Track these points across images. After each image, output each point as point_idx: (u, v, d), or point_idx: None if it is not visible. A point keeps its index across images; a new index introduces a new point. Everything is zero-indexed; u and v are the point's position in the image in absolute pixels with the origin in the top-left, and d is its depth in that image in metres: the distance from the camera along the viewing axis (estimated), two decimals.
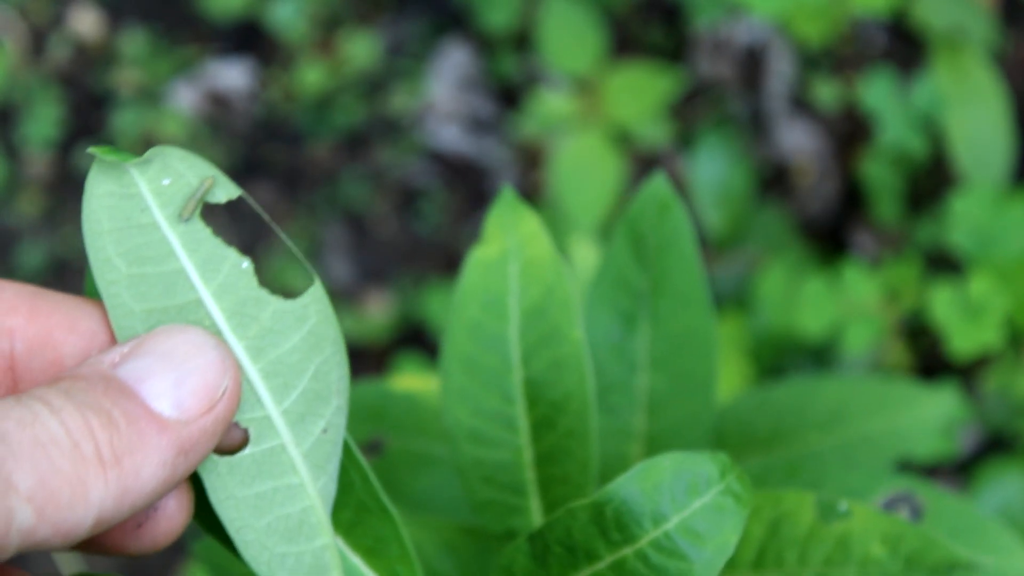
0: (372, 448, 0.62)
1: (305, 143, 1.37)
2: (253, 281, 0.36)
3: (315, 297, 0.37)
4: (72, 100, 1.40)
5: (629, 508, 0.39)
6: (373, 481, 0.40)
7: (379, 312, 1.31)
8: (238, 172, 1.35)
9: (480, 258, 0.50)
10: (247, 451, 0.36)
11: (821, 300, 1.01)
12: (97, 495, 0.32)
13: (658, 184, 0.57)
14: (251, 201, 0.37)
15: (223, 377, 0.34)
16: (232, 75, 1.39)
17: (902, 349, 1.08)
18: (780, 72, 1.27)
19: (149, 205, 0.35)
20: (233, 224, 1.31)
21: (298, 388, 0.37)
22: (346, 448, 0.39)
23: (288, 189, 1.36)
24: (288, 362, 0.37)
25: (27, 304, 0.36)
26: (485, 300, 0.50)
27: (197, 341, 0.34)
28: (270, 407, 0.36)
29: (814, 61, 1.26)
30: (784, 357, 1.12)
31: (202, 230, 0.36)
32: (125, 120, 1.38)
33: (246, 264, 0.36)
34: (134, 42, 1.40)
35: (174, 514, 0.36)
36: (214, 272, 0.36)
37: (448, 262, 1.32)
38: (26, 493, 0.31)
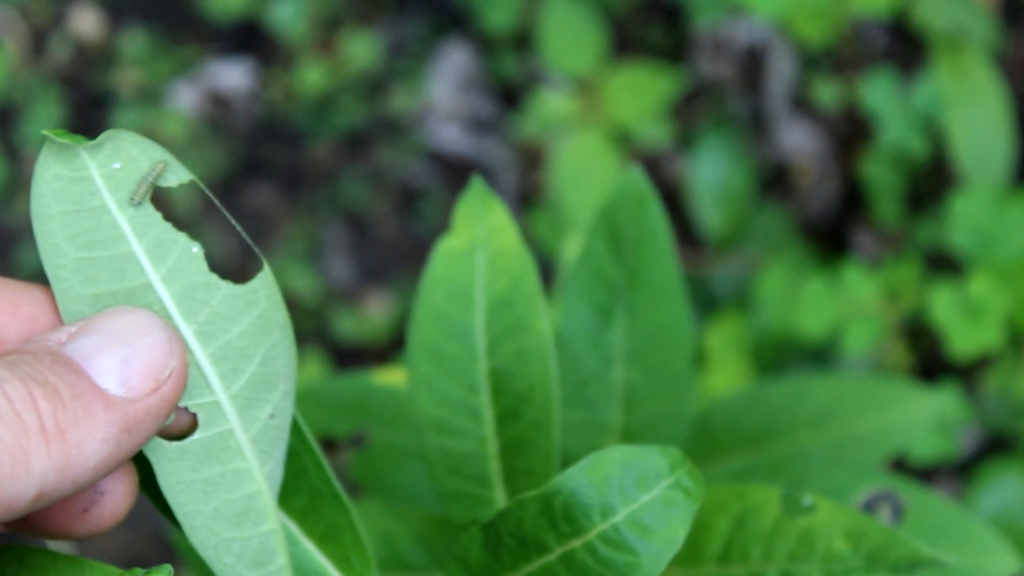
0: (355, 441, 0.63)
1: (305, 143, 1.37)
2: (204, 266, 0.36)
3: (264, 282, 0.37)
4: (72, 100, 1.40)
5: (578, 500, 0.39)
6: (326, 468, 0.40)
7: (379, 312, 1.31)
8: (238, 172, 1.35)
9: (448, 248, 0.50)
10: (196, 436, 0.36)
11: (821, 300, 1.01)
12: (39, 467, 0.31)
13: (634, 178, 0.57)
14: (201, 185, 0.36)
15: (170, 358, 0.34)
16: (232, 75, 1.39)
17: (902, 349, 1.08)
18: (780, 72, 1.27)
19: (99, 188, 0.35)
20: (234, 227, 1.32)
21: (247, 373, 0.37)
22: (300, 434, 0.39)
23: (288, 189, 1.36)
24: (237, 347, 0.36)
25: None
26: (452, 290, 0.50)
27: (145, 322, 0.34)
28: (219, 392, 0.36)
29: (815, 61, 1.26)
30: (784, 357, 1.12)
31: (153, 214, 0.35)
32: (125, 120, 1.38)
33: (196, 248, 0.36)
34: (134, 42, 1.40)
35: (119, 498, 0.36)
36: (164, 256, 0.35)
37: None
38: None
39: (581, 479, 0.39)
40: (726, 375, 1.07)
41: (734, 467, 0.59)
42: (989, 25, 1.04)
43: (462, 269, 0.50)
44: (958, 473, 1.11)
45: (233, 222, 0.37)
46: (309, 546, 0.40)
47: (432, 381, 0.50)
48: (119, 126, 1.43)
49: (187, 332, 0.36)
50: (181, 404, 0.36)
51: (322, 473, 0.40)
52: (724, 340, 1.09)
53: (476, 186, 0.51)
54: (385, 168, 1.35)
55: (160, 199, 0.36)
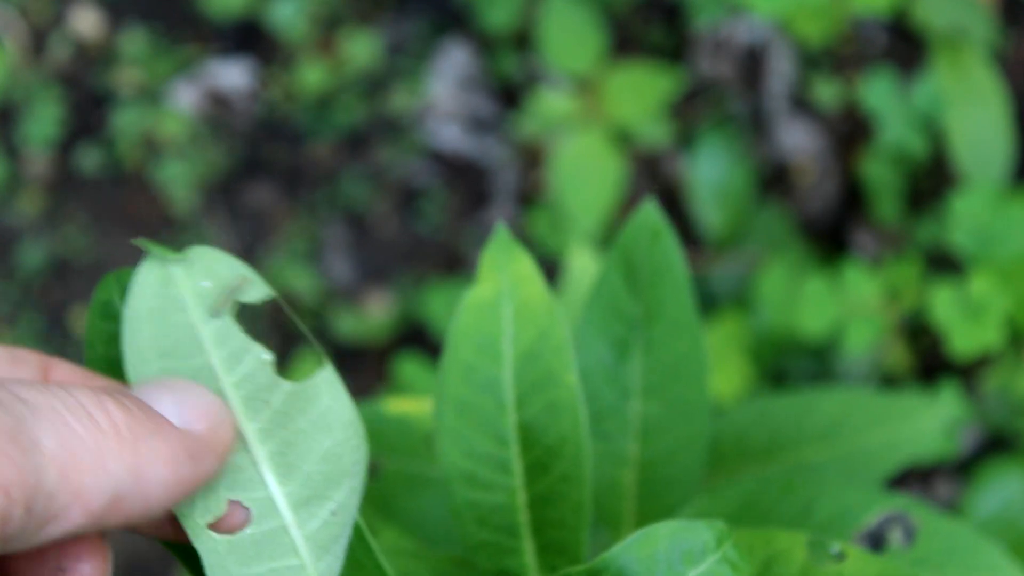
0: (368, 471, 0.63)
1: (305, 143, 1.37)
2: (271, 371, 0.37)
3: (326, 380, 0.37)
4: (72, 100, 1.40)
5: None
6: (381, 560, 0.40)
7: (379, 312, 1.31)
8: (238, 172, 1.35)
9: (474, 300, 0.50)
10: (247, 531, 0.36)
11: (822, 300, 1.01)
12: (115, 466, 0.32)
13: (649, 212, 0.57)
14: (282, 302, 0.37)
15: (220, 406, 0.36)
16: (232, 75, 1.39)
17: (902, 349, 1.08)
18: (780, 72, 1.27)
19: (187, 305, 0.36)
20: (234, 226, 1.32)
21: (303, 470, 0.37)
22: (357, 529, 0.39)
23: (288, 189, 1.36)
24: (294, 443, 0.37)
25: (41, 373, 0.37)
26: (479, 343, 0.49)
27: (184, 383, 0.36)
28: (272, 487, 0.37)
29: (815, 61, 1.26)
30: (784, 357, 1.12)
31: (231, 326, 0.36)
32: (125, 120, 1.38)
33: (267, 356, 0.37)
34: (134, 42, 1.40)
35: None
36: (236, 364, 0.37)
37: (448, 262, 1.32)
38: (49, 453, 0.31)
39: (629, 555, 0.39)
40: (726, 375, 1.07)
41: (744, 485, 0.59)
42: (989, 24, 1.04)
43: (489, 321, 0.49)
44: (958, 472, 1.11)
45: (307, 330, 0.38)
46: None
47: (460, 434, 0.49)
48: (119, 126, 1.43)
49: (248, 431, 0.37)
50: (234, 497, 0.36)
51: (365, 546, 0.40)
52: (724, 340, 1.09)
53: (500, 235, 0.50)
54: (385, 167, 1.35)
55: None
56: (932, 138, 1.12)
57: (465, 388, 0.50)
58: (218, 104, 1.38)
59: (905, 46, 1.24)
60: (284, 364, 1.14)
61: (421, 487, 0.62)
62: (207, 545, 0.36)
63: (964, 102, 0.99)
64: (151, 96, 1.39)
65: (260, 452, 0.36)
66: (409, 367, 1.18)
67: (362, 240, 1.34)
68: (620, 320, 0.57)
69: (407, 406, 0.65)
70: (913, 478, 1.11)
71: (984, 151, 0.99)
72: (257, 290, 0.37)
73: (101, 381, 0.37)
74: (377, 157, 1.36)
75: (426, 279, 1.30)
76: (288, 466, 0.37)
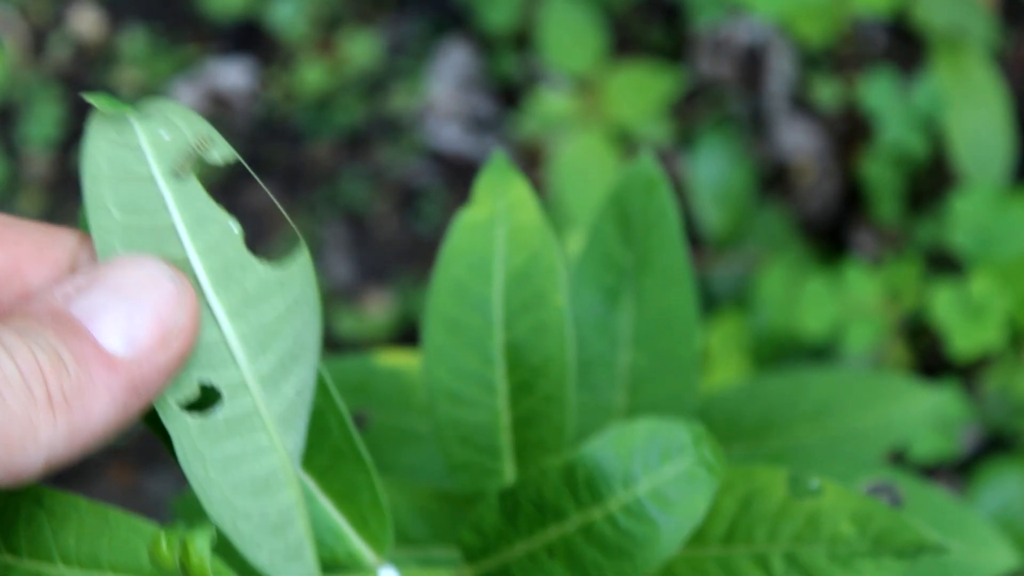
0: (356, 422, 0.63)
1: (305, 142, 1.37)
2: (241, 245, 0.36)
3: (301, 265, 0.37)
4: (72, 100, 1.40)
5: (601, 470, 0.39)
6: (350, 426, 0.40)
7: (379, 311, 1.31)
8: (238, 171, 1.35)
9: (468, 220, 0.50)
10: (219, 414, 0.36)
11: (822, 300, 1.01)
12: (46, 436, 0.32)
13: (645, 163, 0.57)
14: (245, 163, 0.36)
15: (178, 312, 0.34)
16: (232, 75, 1.39)
17: (902, 349, 1.08)
18: (780, 72, 1.27)
19: (147, 157, 0.35)
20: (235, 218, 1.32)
21: (275, 352, 0.37)
22: (326, 392, 0.39)
23: (288, 188, 1.36)
24: (268, 327, 0.36)
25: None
26: (471, 262, 0.50)
27: (153, 273, 0.34)
28: (245, 369, 0.36)
29: (815, 61, 1.26)
30: (784, 356, 1.12)
31: (196, 188, 0.35)
32: None
33: (236, 227, 0.36)
34: (134, 42, 1.40)
35: None
36: (203, 231, 0.35)
37: None
38: None
39: (606, 449, 0.39)
40: (726, 374, 1.07)
41: (734, 458, 0.59)
42: (989, 24, 1.04)
43: (482, 241, 0.50)
44: (958, 472, 1.11)
45: (279, 205, 0.37)
46: (326, 504, 0.40)
47: (447, 351, 0.50)
48: None
49: (218, 309, 0.36)
50: (206, 380, 0.36)
51: (345, 432, 0.40)
52: (724, 339, 1.09)
53: (498, 160, 0.50)
54: (385, 167, 1.35)
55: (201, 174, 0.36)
56: (932, 138, 1.12)
57: (454, 306, 0.50)
58: (218, 104, 1.38)
59: (905, 46, 1.24)
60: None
61: (409, 441, 0.62)
62: (179, 427, 0.36)
63: (964, 102, 0.99)
64: (151, 96, 1.39)
65: (231, 331, 0.36)
66: None
67: (362, 240, 1.34)
68: (612, 269, 0.57)
69: (398, 359, 0.65)
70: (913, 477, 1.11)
71: (984, 151, 0.99)
72: (220, 149, 0.36)
73: (46, 235, 0.36)
74: (377, 157, 1.36)
75: (426, 279, 1.30)
76: (260, 346, 0.36)
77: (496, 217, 0.50)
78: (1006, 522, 0.99)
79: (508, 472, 0.50)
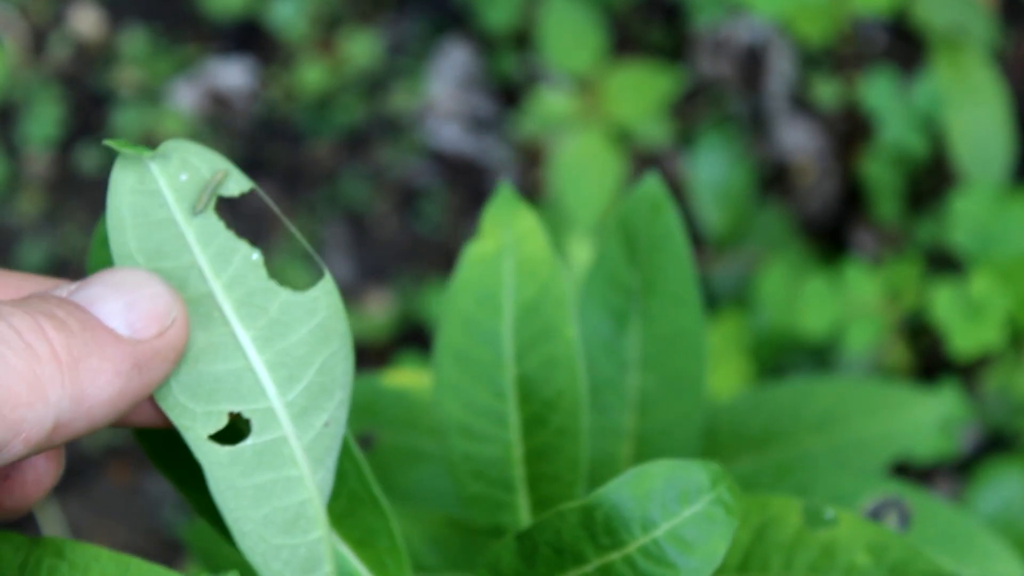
0: (363, 443, 0.63)
1: (305, 142, 1.37)
2: (263, 273, 0.36)
3: (325, 291, 0.37)
4: (72, 99, 1.40)
5: (619, 513, 0.39)
6: (366, 472, 0.40)
7: (379, 311, 1.31)
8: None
9: (476, 253, 0.50)
10: (249, 442, 0.36)
11: (822, 299, 1.01)
12: (55, 394, 0.31)
13: (651, 184, 0.57)
14: (262, 193, 0.37)
15: (172, 306, 0.34)
16: (232, 74, 1.39)
17: (903, 348, 1.08)
18: (780, 71, 1.27)
19: (167, 201, 0.36)
20: (235, 222, 1.31)
21: (303, 381, 0.37)
22: (344, 441, 0.39)
23: (288, 188, 1.36)
24: (295, 354, 0.36)
25: None
26: (480, 295, 0.50)
27: (144, 275, 0.35)
28: (274, 398, 0.36)
29: (815, 60, 1.26)
30: (784, 356, 1.12)
31: (215, 223, 0.36)
32: (125, 119, 1.38)
33: (256, 256, 0.36)
34: (134, 41, 1.40)
35: (43, 474, 0.36)
36: (225, 264, 0.36)
37: (448, 261, 1.32)
38: None
39: (623, 492, 0.39)
40: (726, 374, 1.07)
41: (740, 470, 0.59)
42: (989, 24, 1.04)
43: (490, 274, 0.50)
44: (958, 472, 1.11)
45: (293, 229, 0.38)
46: (345, 551, 0.40)
47: (458, 385, 0.50)
48: (119, 125, 1.43)
49: (244, 338, 0.36)
50: (235, 409, 0.36)
51: (361, 477, 0.40)
52: (724, 339, 1.09)
53: (504, 191, 0.50)
54: (385, 167, 1.35)
55: (223, 208, 0.37)
56: (932, 138, 1.12)
57: (465, 340, 0.50)
58: (218, 104, 1.38)
59: (905, 46, 1.24)
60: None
61: (418, 461, 0.62)
62: (209, 457, 0.36)
63: (964, 102, 0.99)
64: (151, 96, 1.39)
65: (259, 361, 0.36)
66: (409, 366, 1.18)
67: (362, 240, 1.34)
68: (619, 291, 0.57)
69: (405, 380, 0.65)
70: (913, 477, 1.11)
71: (984, 151, 0.99)
72: (237, 182, 0.36)
73: (47, 282, 0.36)
74: (377, 157, 1.36)
75: (426, 279, 1.30)
76: (288, 376, 0.36)
77: (504, 249, 0.50)
78: (1006, 522, 0.99)
79: (522, 505, 0.50)
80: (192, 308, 0.36)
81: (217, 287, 0.36)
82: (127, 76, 1.40)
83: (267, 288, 0.36)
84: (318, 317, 0.37)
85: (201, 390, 0.36)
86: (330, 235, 1.34)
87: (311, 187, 1.35)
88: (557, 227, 1.23)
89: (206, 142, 1.36)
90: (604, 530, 0.39)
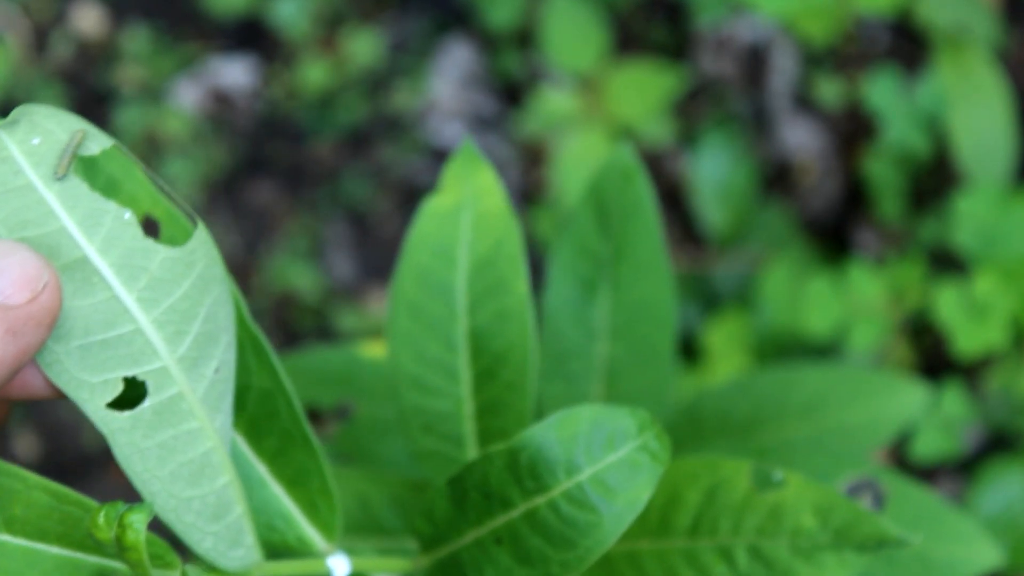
0: (340, 413, 0.63)
1: (307, 141, 1.37)
2: (138, 231, 0.35)
3: (201, 240, 0.37)
4: (75, 97, 1.40)
5: (544, 456, 0.39)
6: (298, 410, 0.40)
7: (381, 309, 1.31)
8: (240, 169, 1.35)
9: (434, 207, 0.50)
10: (147, 403, 0.36)
11: (825, 299, 1.01)
12: None
13: (623, 154, 0.57)
14: (124, 149, 0.36)
15: (42, 270, 0.34)
16: (235, 73, 1.39)
17: (906, 348, 1.08)
18: (783, 70, 1.27)
19: (22, 167, 0.35)
20: (236, 222, 1.31)
21: (191, 334, 0.36)
22: (275, 374, 0.39)
23: (290, 186, 1.36)
24: (179, 309, 0.36)
25: None
26: (436, 248, 0.50)
27: (10, 244, 0.34)
28: (165, 356, 0.36)
29: (818, 59, 1.25)
30: (786, 355, 1.12)
31: (79, 186, 0.35)
32: (128, 118, 1.37)
33: (128, 215, 0.35)
34: (136, 39, 1.40)
35: None
36: (96, 226, 0.35)
37: None
38: None
39: (549, 435, 0.39)
40: (728, 373, 1.07)
41: (721, 453, 0.59)
42: (992, 23, 1.04)
43: (447, 228, 0.50)
44: (960, 472, 1.11)
45: (163, 184, 0.37)
46: (277, 490, 0.40)
47: (412, 337, 0.50)
48: (121, 124, 1.43)
49: (129, 300, 0.35)
50: (130, 373, 0.36)
51: (293, 415, 0.40)
52: (727, 338, 1.09)
53: (466, 148, 0.51)
54: (387, 166, 1.35)
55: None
56: (935, 137, 1.12)
57: (419, 292, 0.50)
58: (220, 102, 1.38)
59: (908, 45, 1.24)
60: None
61: (393, 432, 0.62)
62: (111, 425, 0.36)
63: (967, 101, 0.99)
64: (153, 94, 1.39)
65: (147, 322, 0.36)
66: None
67: (364, 238, 1.34)
68: (589, 259, 0.57)
69: (382, 351, 0.65)
70: (915, 476, 1.11)
71: (987, 150, 0.99)
72: (97, 141, 0.35)
73: None
74: (379, 155, 1.36)
75: None
76: (176, 332, 0.36)
77: (462, 204, 0.50)
78: (1008, 521, 0.99)
79: None
80: (68, 275, 0.35)
81: (91, 251, 0.35)
82: (129, 74, 1.40)
83: (145, 247, 0.35)
84: (197, 268, 0.36)
85: (94, 360, 0.35)
86: (332, 234, 1.34)
87: (313, 186, 1.35)
88: (559, 226, 1.23)
89: (208, 140, 1.36)
90: (529, 473, 0.39)
